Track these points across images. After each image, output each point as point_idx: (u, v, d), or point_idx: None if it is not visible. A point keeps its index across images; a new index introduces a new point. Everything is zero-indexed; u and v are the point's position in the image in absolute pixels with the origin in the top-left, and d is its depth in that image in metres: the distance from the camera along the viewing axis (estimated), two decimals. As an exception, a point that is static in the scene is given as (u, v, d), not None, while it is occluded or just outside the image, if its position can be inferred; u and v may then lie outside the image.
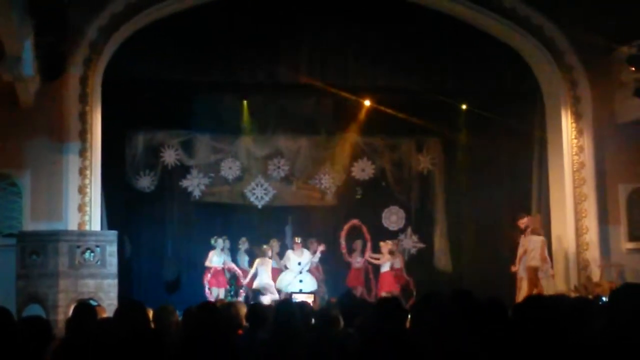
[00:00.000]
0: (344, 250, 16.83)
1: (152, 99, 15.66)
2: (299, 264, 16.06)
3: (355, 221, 17.01)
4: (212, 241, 15.98)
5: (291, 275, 15.96)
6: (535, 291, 13.70)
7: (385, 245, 16.40)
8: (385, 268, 16.31)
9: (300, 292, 15.22)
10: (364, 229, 16.86)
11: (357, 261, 16.68)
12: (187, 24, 14.24)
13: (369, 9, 14.70)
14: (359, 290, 16.17)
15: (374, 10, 14.73)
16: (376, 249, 16.63)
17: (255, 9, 14.46)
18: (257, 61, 14.80)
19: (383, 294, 15.34)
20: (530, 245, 14.44)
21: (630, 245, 14.78)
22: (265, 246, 16.12)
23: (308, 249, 16.31)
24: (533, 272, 14.33)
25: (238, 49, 14.59)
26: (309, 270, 16.24)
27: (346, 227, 17.00)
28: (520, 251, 14.67)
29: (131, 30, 14.02)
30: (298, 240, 16.39)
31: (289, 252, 16.25)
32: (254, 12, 14.47)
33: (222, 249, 16.00)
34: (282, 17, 14.59)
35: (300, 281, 15.90)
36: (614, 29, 14.25)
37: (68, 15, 11.78)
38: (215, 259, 15.83)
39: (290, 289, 15.62)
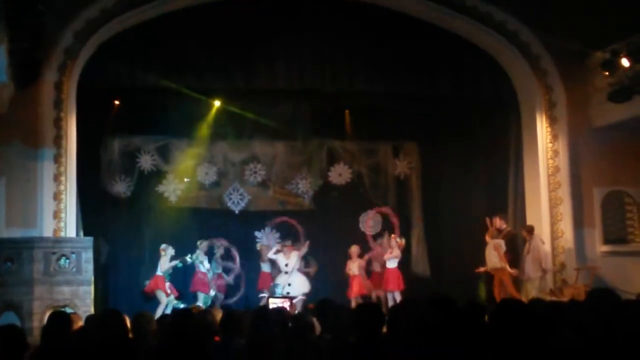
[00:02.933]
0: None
1: (128, 104, 15.64)
2: (286, 265, 16.05)
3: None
4: (199, 243, 15.91)
5: (280, 278, 15.99)
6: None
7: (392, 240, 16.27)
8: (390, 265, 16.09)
9: (288, 294, 15.19)
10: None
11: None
12: (162, 29, 14.20)
13: (346, 14, 14.74)
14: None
15: (351, 16, 14.77)
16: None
17: (231, 14, 14.44)
18: (234, 66, 14.78)
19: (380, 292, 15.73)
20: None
21: (605, 249, 14.89)
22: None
23: (283, 253, 16.30)
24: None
25: (214, 54, 14.56)
26: (301, 272, 16.27)
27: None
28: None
29: (106, 36, 13.97)
30: (288, 243, 16.33)
31: (279, 255, 16.19)
32: (230, 18, 14.45)
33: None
34: (258, 22, 14.58)
35: (289, 284, 15.87)
36: (588, 34, 14.37)
37: (42, 22, 11.71)
38: (207, 263, 15.80)
39: (279, 292, 15.67)
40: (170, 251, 15.51)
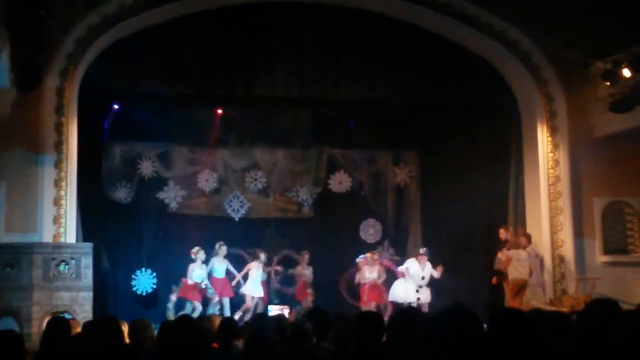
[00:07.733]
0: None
1: (129, 111, 15.67)
2: (423, 278, 15.68)
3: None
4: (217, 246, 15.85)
5: (411, 286, 15.68)
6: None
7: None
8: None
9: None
10: None
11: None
12: (164, 36, 14.24)
13: (347, 22, 14.77)
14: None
15: (352, 24, 14.80)
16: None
17: (232, 21, 14.49)
18: (235, 73, 14.82)
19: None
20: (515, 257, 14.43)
21: (605, 259, 14.86)
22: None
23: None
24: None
25: (215, 61, 14.60)
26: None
27: None
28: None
29: (108, 42, 13.99)
30: (422, 251, 15.96)
31: (412, 262, 15.88)
32: (232, 25, 14.50)
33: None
34: (260, 30, 14.61)
35: (417, 292, 15.58)
36: (589, 44, 14.36)
37: (44, 27, 11.72)
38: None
39: (407, 299, 15.42)
40: (202, 255, 15.50)
